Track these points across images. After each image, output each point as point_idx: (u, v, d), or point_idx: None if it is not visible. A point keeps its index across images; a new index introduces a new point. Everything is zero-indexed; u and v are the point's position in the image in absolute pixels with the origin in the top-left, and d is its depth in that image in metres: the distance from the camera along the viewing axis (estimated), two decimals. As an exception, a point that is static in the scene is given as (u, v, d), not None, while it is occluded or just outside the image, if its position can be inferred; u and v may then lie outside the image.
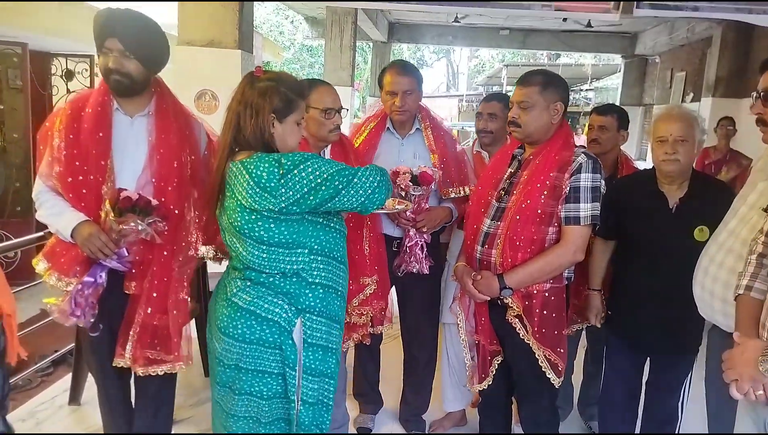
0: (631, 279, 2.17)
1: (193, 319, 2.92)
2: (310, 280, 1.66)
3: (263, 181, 1.54)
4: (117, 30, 1.82)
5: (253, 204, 1.56)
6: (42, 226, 2.13)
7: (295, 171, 1.55)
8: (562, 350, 1.95)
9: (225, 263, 1.93)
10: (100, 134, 1.87)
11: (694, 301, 1.84)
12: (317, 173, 1.56)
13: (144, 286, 1.89)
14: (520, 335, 1.94)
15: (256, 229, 1.59)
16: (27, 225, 4.98)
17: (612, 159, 2.64)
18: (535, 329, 1.92)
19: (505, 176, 2.04)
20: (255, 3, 4.96)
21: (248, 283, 1.66)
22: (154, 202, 1.85)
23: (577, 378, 2.84)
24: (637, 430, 2.32)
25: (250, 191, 1.56)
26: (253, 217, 1.58)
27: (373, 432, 2.72)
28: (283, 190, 1.54)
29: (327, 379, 1.74)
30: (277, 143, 1.65)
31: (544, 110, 1.92)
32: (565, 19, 8.82)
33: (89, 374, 2.55)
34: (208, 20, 4.21)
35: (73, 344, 2.81)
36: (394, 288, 2.47)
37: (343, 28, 8.15)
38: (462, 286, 2.03)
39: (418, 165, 2.32)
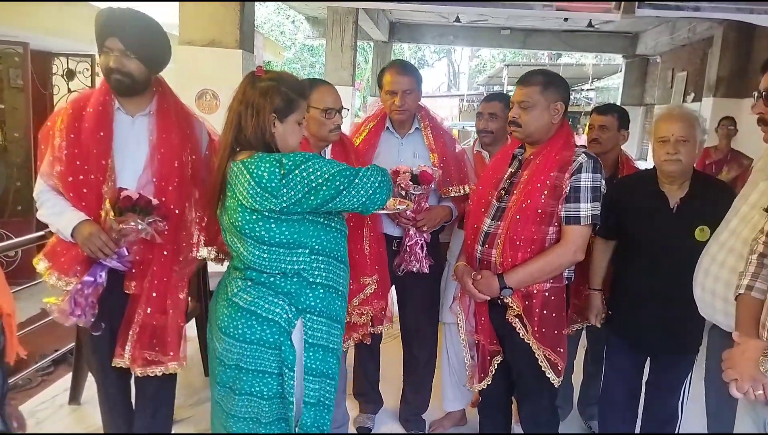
0: (632, 279, 2.17)
1: (193, 318, 2.93)
2: (311, 280, 1.66)
3: (264, 181, 1.54)
4: (118, 29, 1.82)
5: (254, 204, 1.56)
6: (43, 226, 2.14)
7: (296, 171, 1.54)
8: (562, 350, 1.95)
9: (226, 263, 1.94)
10: (101, 134, 1.88)
11: (695, 301, 1.84)
12: (318, 173, 1.55)
13: (144, 286, 1.89)
14: (520, 335, 1.94)
15: (257, 229, 1.59)
16: (27, 224, 4.98)
17: (613, 159, 2.64)
18: (535, 329, 1.92)
19: (506, 176, 2.03)
20: (256, 3, 4.96)
21: (249, 283, 1.66)
22: (155, 201, 1.85)
23: (577, 378, 2.84)
24: (637, 430, 2.32)
25: (251, 191, 1.56)
26: (254, 217, 1.58)
27: (373, 432, 2.72)
28: (284, 191, 1.54)
29: (327, 380, 1.73)
30: (278, 143, 1.65)
31: (545, 110, 1.92)
32: (566, 19, 8.81)
33: (89, 374, 2.55)
34: (209, 20, 4.21)
35: (74, 344, 2.81)
36: (393, 287, 2.47)
37: (344, 27, 8.15)
38: (462, 285, 2.03)
39: (418, 164, 2.32)
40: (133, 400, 2.13)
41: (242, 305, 1.64)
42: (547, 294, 1.93)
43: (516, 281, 1.89)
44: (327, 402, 1.74)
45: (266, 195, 1.55)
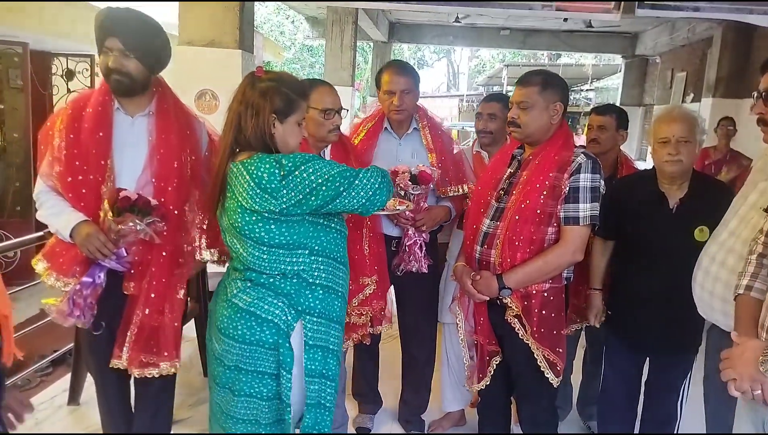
0: (631, 279, 2.17)
1: (193, 319, 2.93)
2: (310, 281, 1.66)
3: (264, 182, 1.54)
4: (117, 29, 1.82)
5: (254, 205, 1.56)
6: (42, 226, 2.13)
7: (296, 172, 1.54)
8: (561, 350, 1.95)
9: (227, 264, 1.93)
10: (101, 134, 1.87)
11: (694, 301, 1.84)
12: (318, 174, 1.55)
13: (143, 287, 1.89)
14: (519, 335, 1.94)
15: (257, 230, 1.59)
16: (27, 225, 4.98)
17: (612, 159, 2.64)
18: (534, 329, 1.92)
19: (505, 176, 2.04)
20: (255, 3, 4.96)
21: (248, 284, 1.66)
22: (154, 202, 1.84)
23: (577, 378, 2.84)
24: (636, 430, 2.32)
25: (250, 192, 1.55)
26: (254, 218, 1.58)
27: (372, 432, 2.71)
28: (284, 192, 1.54)
29: (327, 381, 1.73)
30: (277, 144, 1.65)
31: (544, 110, 1.92)
32: (565, 20, 8.82)
33: (88, 374, 2.55)
34: (208, 20, 4.21)
35: (72, 344, 2.81)
36: (392, 287, 2.47)
37: (343, 28, 8.16)
38: (461, 285, 2.03)
39: (417, 164, 2.32)
40: (132, 401, 2.13)
41: (242, 306, 1.64)
42: (546, 294, 1.93)
43: (515, 281, 1.89)
44: (327, 403, 1.74)
45: (266, 196, 1.54)
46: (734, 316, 1.49)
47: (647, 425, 2.28)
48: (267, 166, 1.55)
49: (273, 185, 1.54)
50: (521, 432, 2.15)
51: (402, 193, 2.24)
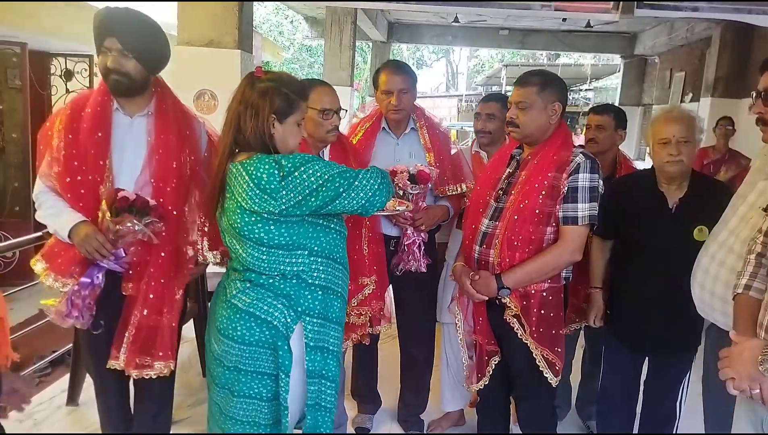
0: (630, 278, 2.17)
1: (192, 319, 2.93)
2: (310, 281, 1.65)
3: (263, 182, 1.54)
4: (116, 29, 1.81)
5: (253, 206, 1.56)
6: (40, 226, 2.13)
7: (296, 173, 1.54)
8: (559, 350, 1.96)
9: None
10: (99, 134, 1.87)
11: (693, 301, 1.84)
12: (318, 175, 1.55)
13: (141, 288, 1.88)
14: (518, 335, 1.94)
15: (256, 230, 1.59)
16: (25, 225, 4.98)
17: (610, 158, 2.65)
18: (533, 329, 1.92)
19: (504, 176, 2.04)
20: (254, 3, 4.96)
21: (248, 285, 1.65)
22: (152, 202, 1.84)
23: (576, 377, 2.84)
24: (636, 430, 2.32)
25: (249, 193, 1.55)
26: (253, 218, 1.58)
27: (371, 432, 2.71)
28: (284, 193, 1.54)
29: (326, 382, 1.72)
30: (277, 144, 1.65)
31: (542, 110, 1.92)
32: (564, 20, 8.82)
33: (87, 375, 2.55)
34: (207, 20, 4.21)
35: (71, 345, 2.80)
36: (390, 287, 2.47)
37: (342, 28, 8.15)
38: (460, 285, 2.03)
39: (415, 164, 2.32)
40: (132, 401, 2.13)
41: (241, 307, 1.63)
42: (545, 294, 1.93)
43: (514, 281, 1.89)
44: (327, 404, 1.73)
45: (265, 197, 1.54)
46: (733, 315, 1.50)
47: (646, 425, 2.28)
48: (266, 166, 1.54)
49: (272, 186, 1.53)
50: (520, 432, 2.15)
51: (400, 192, 2.24)
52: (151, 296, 1.88)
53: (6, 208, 5.31)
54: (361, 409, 2.77)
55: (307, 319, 1.66)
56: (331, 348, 1.72)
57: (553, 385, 1.97)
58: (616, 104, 9.69)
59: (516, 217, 1.89)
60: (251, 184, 1.55)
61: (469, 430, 2.72)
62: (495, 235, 1.93)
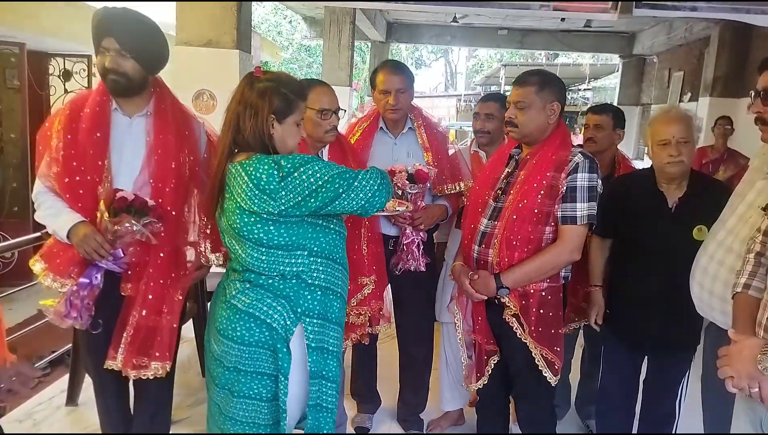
0: (630, 278, 2.17)
1: (191, 319, 2.92)
2: (309, 282, 1.65)
3: (262, 183, 1.53)
4: (114, 29, 1.81)
5: (252, 206, 1.56)
6: (39, 227, 2.13)
7: (295, 174, 1.54)
8: (558, 349, 1.96)
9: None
10: (98, 134, 1.87)
11: (692, 300, 1.84)
12: (317, 176, 1.55)
13: (140, 288, 1.88)
14: (517, 334, 1.94)
15: (255, 231, 1.59)
16: (24, 225, 4.98)
17: (609, 158, 2.65)
18: (532, 328, 1.92)
19: (502, 176, 2.04)
20: (253, 3, 4.95)
21: (247, 285, 1.65)
22: (151, 202, 1.84)
23: (575, 377, 2.85)
24: (635, 429, 2.33)
25: (249, 193, 1.55)
26: (252, 219, 1.58)
27: (371, 431, 2.72)
28: (283, 193, 1.53)
29: (327, 382, 1.72)
30: (276, 144, 1.64)
31: (541, 110, 1.93)
32: (563, 19, 8.82)
33: (86, 375, 2.54)
34: (206, 20, 4.21)
35: (70, 345, 2.80)
36: (389, 287, 2.47)
37: (341, 28, 8.15)
38: (459, 285, 2.04)
39: (413, 163, 2.33)
40: (131, 401, 2.12)
41: (241, 308, 1.63)
42: (543, 293, 1.93)
43: (513, 281, 1.89)
44: (328, 405, 1.73)
45: (264, 197, 1.54)
46: (732, 314, 1.50)
47: (646, 424, 2.28)
48: (265, 167, 1.54)
49: (272, 187, 1.53)
50: (520, 431, 2.16)
51: (399, 192, 2.24)
52: (150, 297, 1.88)
53: (5, 209, 5.30)
54: (361, 409, 2.77)
55: (307, 320, 1.66)
56: (330, 348, 1.72)
57: (553, 385, 1.97)
58: (615, 104, 9.69)
59: (515, 217, 1.89)
60: (250, 185, 1.54)
61: (469, 430, 2.72)
62: (494, 235, 1.93)
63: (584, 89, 18.72)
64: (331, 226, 1.68)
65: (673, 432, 2.22)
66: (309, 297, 1.66)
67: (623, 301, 2.19)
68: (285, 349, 1.62)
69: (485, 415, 2.27)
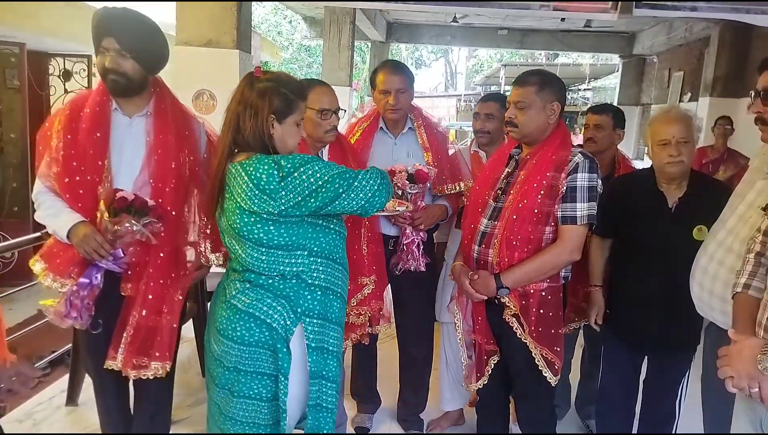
0: (630, 278, 2.17)
1: (191, 319, 2.93)
2: (309, 282, 1.65)
3: (262, 183, 1.53)
4: (113, 29, 1.81)
5: (252, 206, 1.56)
6: (39, 227, 2.13)
7: (295, 174, 1.54)
8: (558, 349, 1.96)
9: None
10: (98, 134, 1.87)
11: (692, 300, 1.84)
12: (317, 176, 1.55)
13: (140, 288, 1.88)
14: (517, 334, 1.94)
15: (255, 231, 1.59)
16: (24, 225, 4.98)
17: (609, 158, 2.65)
18: (532, 328, 1.92)
19: (502, 176, 2.04)
20: (253, 3, 4.95)
21: (247, 285, 1.65)
22: (151, 202, 1.84)
23: (575, 377, 2.85)
24: (635, 430, 2.33)
25: (249, 193, 1.55)
26: (252, 219, 1.58)
27: (371, 431, 2.72)
28: (283, 193, 1.53)
29: (327, 382, 1.72)
30: (276, 144, 1.64)
31: (541, 110, 1.93)
32: (563, 19, 8.82)
33: (86, 375, 2.54)
34: (206, 20, 4.21)
35: (70, 345, 2.80)
36: (389, 287, 2.47)
37: (341, 28, 8.15)
38: (459, 285, 2.04)
39: (413, 163, 2.33)
40: (131, 401, 2.12)
41: (241, 308, 1.63)
42: (543, 293, 1.93)
43: (513, 281, 1.89)
44: (327, 405, 1.73)
45: (264, 197, 1.54)
46: (732, 314, 1.50)
47: (646, 424, 2.28)
48: (265, 167, 1.54)
49: (272, 187, 1.53)
50: (520, 431, 2.16)
51: (399, 192, 2.24)
52: (150, 297, 1.88)
53: (5, 209, 5.31)
54: (361, 409, 2.77)
55: (307, 320, 1.66)
56: (330, 348, 1.72)
57: (553, 385, 1.97)
58: (615, 104, 9.68)
59: (515, 217, 1.89)
60: (250, 185, 1.54)
61: (469, 430, 2.72)
62: (494, 235, 1.93)
63: (584, 89, 18.73)
64: (331, 226, 1.68)
65: (673, 432, 2.22)
66: (309, 297, 1.66)
67: (623, 301, 2.19)
68: (285, 350, 1.62)
69: (485, 415, 2.27)
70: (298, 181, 1.53)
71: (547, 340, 1.93)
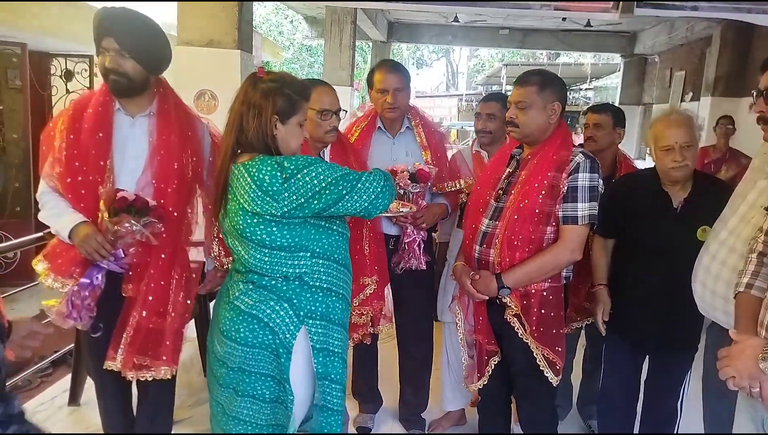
0: (632, 278, 2.16)
1: (193, 319, 2.93)
2: (312, 283, 1.65)
3: (265, 184, 1.53)
4: (113, 29, 1.81)
5: (255, 207, 1.55)
6: (41, 227, 2.13)
7: (299, 175, 1.54)
8: (560, 349, 1.96)
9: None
10: (100, 134, 1.87)
11: (694, 300, 1.84)
12: (321, 178, 1.55)
13: (141, 289, 1.88)
14: (519, 334, 1.94)
15: (258, 232, 1.58)
16: (26, 225, 4.98)
17: (610, 158, 2.65)
18: (534, 328, 1.92)
19: (504, 176, 2.04)
20: (254, 3, 4.95)
21: (250, 287, 1.65)
22: (152, 202, 1.84)
23: (577, 377, 2.84)
24: (636, 430, 2.32)
25: (252, 195, 1.55)
26: (255, 220, 1.58)
27: (372, 432, 2.72)
28: (286, 195, 1.53)
29: (331, 383, 1.72)
30: (279, 145, 1.64)
31: (542, 110, 1.93)
32: (564, 19, 8.81)
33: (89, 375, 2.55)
34: (207, 20, 4.20)
35: (73, 345, 2.80)
36: (388, 286, 2.47)
37: (342, 27, 8.15)
38: (461, 285, 2.04)
39: (413, 163, 2.34)
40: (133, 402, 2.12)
41: (244, 309, 1.63)
42: (545, 293, 1.93)
43: (514, 281, 1.89)
44: (333, 406, 1.72)
45: (267, 199, 1.54)
46: (734, 313, 1.50)
47: (647, 424, 2.28)
48: (268, 168, 1.54)
49: (275, 188, 1.53)
50: (521, 431, 2.16)
51: (401, 191, 2.25)
52: (151, 298, 1.88)
53: (7, 209, 5.31)
54: (363, 409, 2.77)
55: (310, 322, 1.65)
56: (335, 350, 1.71)
57: (554, 385, 1.97)
58: (617, 103, 9.69)
59: (516, 217, 1.89)
60: (253, 186, 1.54)
61: (470, 430, 2.72)
62: (495, 235, 1.93)
63: (586, 89, 18.73)
64: (334, 227, 1.68)
65: (675, 432, 2.22)
66: (311, 298, 1.65)
67: (625, 301, 2.19)
68: (286, 355, 1.62)
69: (487, 415, 2.27)
70: (301, 183, 1.53)
71: (548, 340, 1.93)
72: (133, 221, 1.77)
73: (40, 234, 2.55)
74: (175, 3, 4.31)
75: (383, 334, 2.53)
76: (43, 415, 2.73)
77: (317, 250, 1.64)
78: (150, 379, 1.90)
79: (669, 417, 2.20)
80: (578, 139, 2.74)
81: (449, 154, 2.64)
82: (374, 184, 1.61)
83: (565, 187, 1.87)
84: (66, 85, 5.81)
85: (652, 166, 2.16)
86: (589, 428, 2.78)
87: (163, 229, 1.85)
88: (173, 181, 1.90)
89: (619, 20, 7.13)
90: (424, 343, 2.61)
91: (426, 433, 2.72)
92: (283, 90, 1.62)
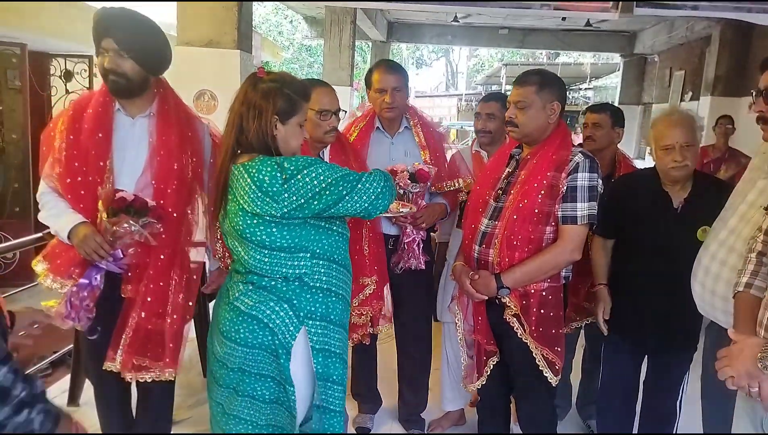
0: (632, 278, 2.16)
1: (192, 319, 2.92)
2: (312, 284, 1.65)
3: (265, 185, 1.53)
4: (112, 30, 1.81)
5: (255, 208, 1.55)
6: (40, 227, 2.13)
7: (299, 176, 1.53)
8: (559, 349, 1.96)
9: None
10: (100, 135, 1.87)
11: (693, 300, 1.84)
12: (321, 179, 1.55)
13: (140, 290, 1.88)
14: (518, 334, 1.94)
15: (258, 233, 1.58)
16: (25, 226, 4.98)
17: (609, 157, 2.65)
18: (533, 328, 1.92)
19: (503, 176, 2.04)
20: (254, 3, 4.95)
21: (250, 287, 1.64)
22: (151, 203, 1.83)
23: (576, 377, 2.84)
24: (636, 430, 2.32)
25: (252, 195, 1.55)
26: (255, 221, 1.57)
27: (372, 432, 2.72)
28: (286, 196, 1.53)
29: (331, 384, 1.72)
30: (279, 145, 1.64)
31: (541, 110, 1.93)
32: (564, 19, 8.81)
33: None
34: (207, 20, 4.20)
35: (72, 345, 2.80)
36: (387, 286, 2.47)
37: (342, 27, 8.15)
38: (460, 285, 2.04)
39: (412, 162, 2.34)
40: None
41: (244, 310, 1.62)
42: (544, 293, 1.93)
43: (513, 281, 1.89)
44: (334, 407, 1.72)
45: (267, 199, 1.54)
46: (733, 313, 1.50)
47: (646, 424, 2.28)
48: (268, 169, 1.54)
49: (274, 189, 1.53)
50: (520, 431, 2.16)
51: (401, 191, 2.25)
52: (149, 299, 1.87)
53: (6, 209, 5.31)
54: (362, 409, 2.77)
55: (310, 322, 1.65)
56: (334, 350, 1.71)
57: (553, 385, 1.97)
58: (616, 103, 9.69)
59: (515, 217, 1.89)
60: (253, 187, 1.54)
61: (470, 430, 2.72)
62: (494, 235, 1.93)
63: (585, 88, 18.74)
64: (334, 227, 1.68)
65: (674, 432, 2.22)
66: (311, 299, 1.65)
67: (625, 301, 2.19)
68: (285, 356, 1.62)
69: (486, 415, 2.27)
70: (301, 184, 1.53)
71: (547, 340, 1.93)
72: (131, 222, 1.77)
73: (39, 234, 2.55)
74: (175, 3, 4.30)
75: (382, 334, 2.53)
76: (42, 416, 2.72)
77: (317, 250, 1.64)
78: (149, 380, 1.90)
79: (668, 417, 2.20)
80: (577, 138, 2.74)
81: (448, 154, 2.64)
82: (374, 184, 1.61)
83: (565, 187, 1.87)
84: (65, 85, 5.81)
85: (652, 165, 2.16)
86: (589, 428, 2.78)
87: (162, 230, 1.85)
88: (173, 181, 1.90)
89: (619, 20, 7.13)
90: (423, 343, 2.61)
91: (425, 433, 2.72)
92: (283, 90, 1.62)
